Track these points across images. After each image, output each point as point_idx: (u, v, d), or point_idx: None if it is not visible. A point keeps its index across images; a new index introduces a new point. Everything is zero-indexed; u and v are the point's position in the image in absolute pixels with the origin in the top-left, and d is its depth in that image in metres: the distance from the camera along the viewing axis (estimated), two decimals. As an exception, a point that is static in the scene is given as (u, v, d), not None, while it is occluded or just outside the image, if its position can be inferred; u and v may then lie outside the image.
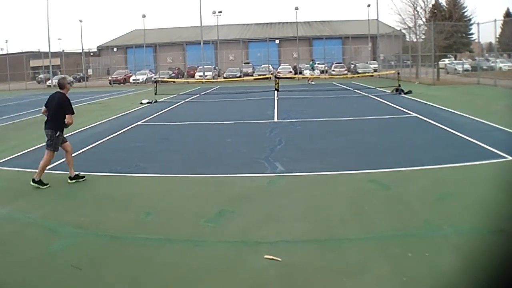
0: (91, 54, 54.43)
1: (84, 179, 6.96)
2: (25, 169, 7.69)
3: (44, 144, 7.01)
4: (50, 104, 6.98)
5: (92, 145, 9.77)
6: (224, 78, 38.62)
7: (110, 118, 14.68)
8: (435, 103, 15.10)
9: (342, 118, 12.82)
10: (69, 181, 6.89)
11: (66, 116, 6.85)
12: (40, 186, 6.66)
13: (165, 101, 20.75)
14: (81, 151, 9.15)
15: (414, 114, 12.71)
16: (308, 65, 35.34)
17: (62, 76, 7.11)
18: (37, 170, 6.75)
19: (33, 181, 6.69)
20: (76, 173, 7.00)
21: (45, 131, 6.96)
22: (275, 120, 12.84)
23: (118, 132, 11.55)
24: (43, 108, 7.08)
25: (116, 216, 5.32)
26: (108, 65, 50.80)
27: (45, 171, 6.73)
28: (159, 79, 33.61)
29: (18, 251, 4.42)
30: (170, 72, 42.90)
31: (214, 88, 29.64)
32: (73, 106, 7.01)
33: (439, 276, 3.59)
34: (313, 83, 30.30)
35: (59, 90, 7.14)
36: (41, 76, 44.14)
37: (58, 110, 6.86)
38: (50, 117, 6.95)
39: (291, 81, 31.93)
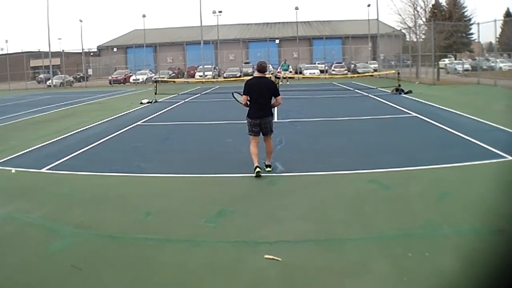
0: (91, 54, 54.43)
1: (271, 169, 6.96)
2: (25, 169, 7.69)
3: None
4: (258, 89, 6.71)
5: (92, 145, 9.76)
6: (224, 78, 38.52)
7: (110, 118, 14.66)
8: (435, 103, 15.09)
9: (342, 118, 12.82)
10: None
11: (277, 98, 6.87)
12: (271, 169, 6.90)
13: (165, 101, 20.74)
14: (81, 151, 9.15)
15: (414, 114, 12.70)
16: (281, 66, 35.91)
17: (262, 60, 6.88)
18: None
19: (266, 165, 6.90)
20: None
21: (264, 119, 6.80)
22: (275, 120, 12.80)
23: (118, 132, 11.54)
24: (244, 97, 6.83)
25: (116, 216, 5.32)
26: (109, 65, 50.77)
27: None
28: (159, 79, 33.58)
29: (18, 251, 4.41)
30: (170, 72, 42.87)
31: (214, 88, 29.64)
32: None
33: (439, 276, 3.59)
34: (288, 83, 29.91)
35: (259, 74, 6.83)
36: (41, 76, 44.11)
37: (270, 94, 6.80)
38: (263, 104, 6.75)
39: (292, 81, 31.92)
